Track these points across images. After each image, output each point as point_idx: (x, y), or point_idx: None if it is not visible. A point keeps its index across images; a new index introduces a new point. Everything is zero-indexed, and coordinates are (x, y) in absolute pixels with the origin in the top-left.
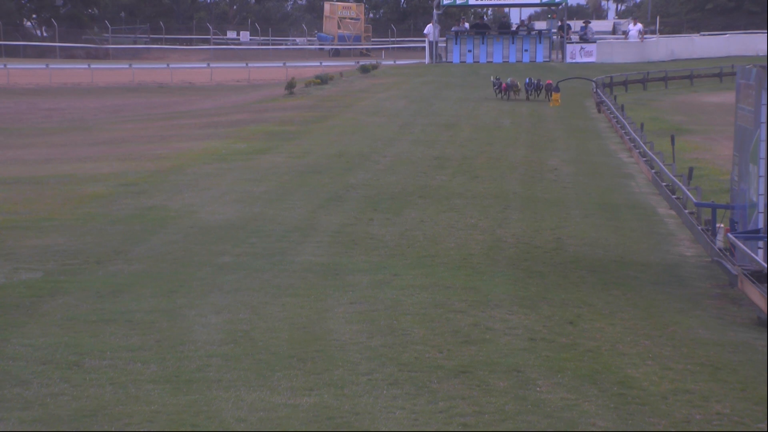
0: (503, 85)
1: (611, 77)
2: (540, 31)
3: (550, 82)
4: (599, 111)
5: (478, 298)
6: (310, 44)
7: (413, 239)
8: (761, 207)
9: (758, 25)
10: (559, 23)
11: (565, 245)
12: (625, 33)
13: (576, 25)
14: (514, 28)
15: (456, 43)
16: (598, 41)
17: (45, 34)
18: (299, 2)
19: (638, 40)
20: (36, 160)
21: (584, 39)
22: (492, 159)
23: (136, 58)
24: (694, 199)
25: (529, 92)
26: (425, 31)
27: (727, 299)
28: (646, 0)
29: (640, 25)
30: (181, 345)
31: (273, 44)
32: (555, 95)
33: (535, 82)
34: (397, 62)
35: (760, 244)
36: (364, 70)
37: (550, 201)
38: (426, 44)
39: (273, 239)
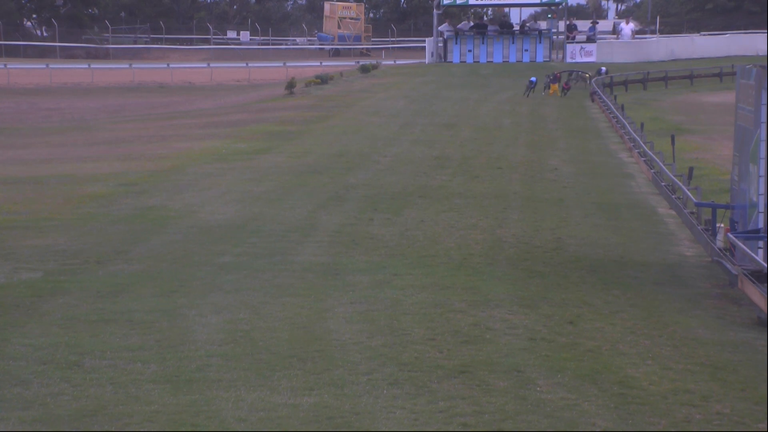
0: (557, 74)
1: (611, 77)
2: (540, 31)
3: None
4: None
5: (478, 298)
6: (310, 44)
7: (413, 239)
8: (761, 207)
9: (758, 25)
10: (567, 23)
11: (565, 245)
12: (617, 32)
13: (584, 25)
14: (514, 28)
15: (456, 43)
16: (598, 41)
17: (45, 34)
18: (299, 2)
19: (630, 39)
20: (36, 160)
21: (591, 39)
22: (492, 159)
23: (136, 58)
24: (694, 199)
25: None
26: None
27: (727, 299)
28: (646, 0)
29: (632, 24)
30: (181, 345)
31: (273, 44)
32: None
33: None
34: (397, 62)
35: (760, 244)
36: (364, 69)
37: (550, 201)
38: (426, 44)
39: (273, 239)
